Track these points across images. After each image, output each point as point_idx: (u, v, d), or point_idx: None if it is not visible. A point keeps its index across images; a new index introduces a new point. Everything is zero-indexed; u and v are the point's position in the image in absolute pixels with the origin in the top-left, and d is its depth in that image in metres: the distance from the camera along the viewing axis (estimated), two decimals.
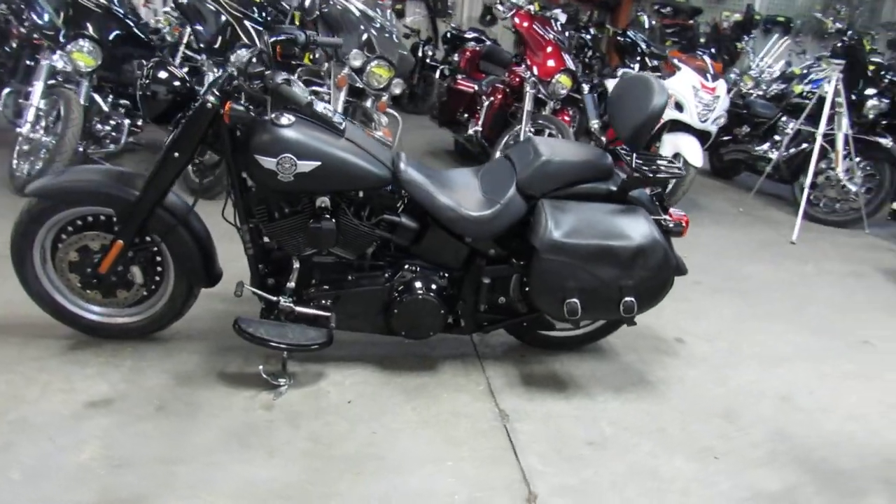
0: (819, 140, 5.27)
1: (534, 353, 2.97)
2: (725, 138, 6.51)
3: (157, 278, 2.62)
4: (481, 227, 2.53)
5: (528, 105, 5.10)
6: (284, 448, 2.21)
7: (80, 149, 4.17)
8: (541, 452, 2.32)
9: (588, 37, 8.03)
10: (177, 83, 2.40)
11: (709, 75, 5.29)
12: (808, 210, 5.43)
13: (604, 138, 5.26)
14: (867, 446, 2.57)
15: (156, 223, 2.48)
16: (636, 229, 2.46)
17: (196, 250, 2.55)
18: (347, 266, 2.61)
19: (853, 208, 5.62)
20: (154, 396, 2.39)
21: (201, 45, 4.66)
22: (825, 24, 6.28)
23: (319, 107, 2.37)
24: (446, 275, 2.67)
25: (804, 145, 5.76)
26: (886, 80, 5.69)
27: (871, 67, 5.77)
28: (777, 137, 6.12)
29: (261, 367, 2.54)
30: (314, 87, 4.36)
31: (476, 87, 6.06)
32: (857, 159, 5.49)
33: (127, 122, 4.51)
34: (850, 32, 5.76)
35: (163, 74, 2.39)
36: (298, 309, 2.52)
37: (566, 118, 5.42)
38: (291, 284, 2.52)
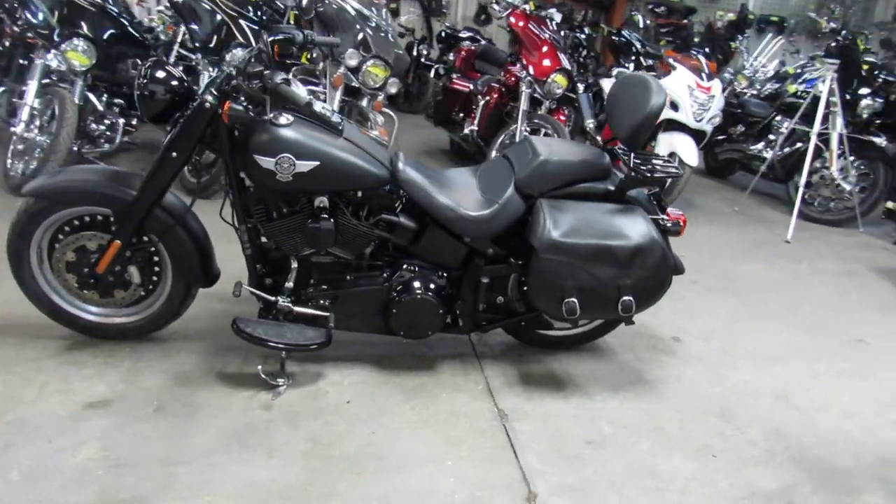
0: (814, 139, 5.29)
1: (532, 353, 2.97)
2: (720, 137, 6.52)
3: (155, 278, 2.61)
4: (480, 227, 2.53)
5: (523, 104, 5.10)
6: (284, 448, 2.21)
7: (75, 148, 4.16)
8: (540, 452, 2.32)
9: (583, 36, 8.05)
10: (174, 83, 2.40)
11: (704, 75, 5.30)
12: (802, 209, 5.45)
13: (599, 138, 5.27)
14: (862, 445, 2.58)
15: (153, 223, 2.47)
16: (634, 229, 2.47)
17: (194, 250, 2.54)
18: (346, 266, 2.61)
19: (847, 207, 5.65)
20: (152, 397, 2.39)
21: (196, 45, 4.64)
22: (819, 24, 6.31)
23: (318, 106, 2.37)
24: (445, 274, 2.67)
25: (798, 144, 5.79)
26: (880, 80, 5.72)
27: (865, 67, 5.79)
28: (772, 137, 6.15)
29: (259, 367, 2.53)
30: (310, 87, 4.35)
31: (472, 87, 6.06)
32: (852, 158, 5.52)
33: (122, 121, 4.49)
34: (843, 32, 5.78)
35: (160, 74, 2.39)
36: (297, 309, 2.52)
37: (562, 117, 5.43)
38: (290, 284, 2.52)
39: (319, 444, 2.25)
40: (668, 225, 2.62)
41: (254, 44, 4.44)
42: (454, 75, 6.49)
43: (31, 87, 4.11)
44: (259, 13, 4.92)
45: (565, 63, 5.27)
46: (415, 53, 8.46)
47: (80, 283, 2.54)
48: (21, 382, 2.39)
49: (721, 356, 3.16)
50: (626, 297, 2.48)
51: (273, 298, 2.51)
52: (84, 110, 4.26)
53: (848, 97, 5.62)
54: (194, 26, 4.62)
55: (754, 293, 4.02)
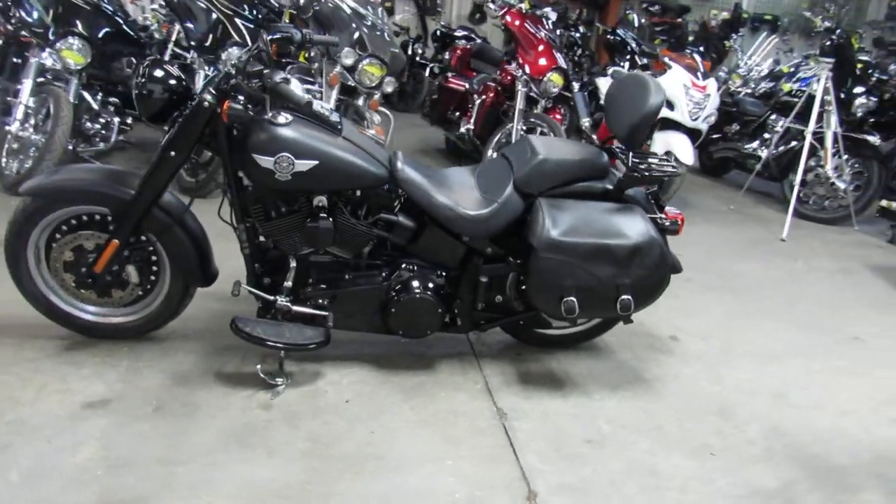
0: (809, 138, 5.31)
1: (530, 352, 2.98)
2: (715, 136, 6.54)
3: (153, 278, 2.60)
4: (479, 226, 2.53)
5: (520, 103, 5.10)
6: (283, 448, 2.20)
7: (70, 147, 4.14)
8: (540, 451, 2.33)
9: (577, 35, 8.05)
10: (173, 82, 2.38)
11: (699, 73, 5.31)
12: (797, 207, 5.48)
13: (594, 136, 5.28)
14: (860, 442, 2.59)
15: (152, 222, 2.46)
16: (633, 228, 2.47)
17: (192, 249, 2.54)
18: (344, 265, 2.61)
19: (842, 205, 5.68)
20: (151, 397, 2.38)
21: (191, 43, 4.62)
22: (814, 23, 6.32)
23: (317, 106, 2.36)
24: (443, 274, 2.67)
25: (793, 143, 5.81)
26: (874, 79, 5.75)
27: (860, 66, 5.82)
28: (766, 135, 6.16)
29: (258, 366, 2.53)
30: (306, 86, 4.34)
31: (467, 86, 6.06)
32: (846, 157, 5.54)
33: (117, 120, 4.47)
34: (838, 31, 5.80)
35: (159, 73, 2.38)
36: (295, 308, 2.52)
37: (558, 116, 5.43)
38: (288, 284, 2.51)
39: (319, 443, 2.25)
40: (667, 224, 2.63)
41: (249, 42, 4.43)
42: (450, 74, 6.49)
43: (26, 85, 4.09)
44: (255, 12, 4.91)
45: (561, 62, 5.27)
46: (410, 52, 8.45)
47: (77, 283, 2.53)
48: (19, 383, 2.38)
49: (718, 355, 3.17)
50: (624, 296, 2.48)
51: (272, 298, 2.50)
52: (79, 109, 4.24)
53: (842, 96, 5.64)
54: (189, 25, 4.60)
55: (750, 291, 4.04)
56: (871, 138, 5.53)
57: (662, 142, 5.16)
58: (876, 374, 3.14)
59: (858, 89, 5.69)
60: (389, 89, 4.49)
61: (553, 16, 5.85)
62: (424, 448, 2.28)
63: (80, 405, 2.30)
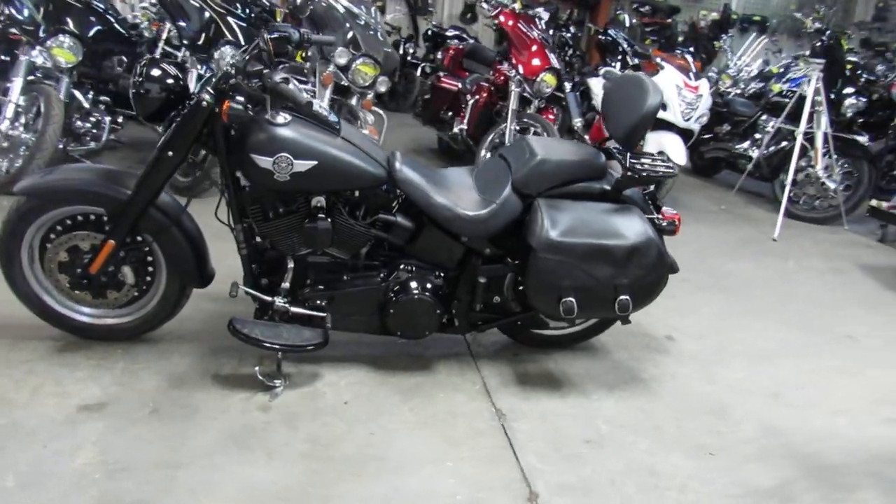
0: (800, 138, 5.35)
1: (527, 352, 2.98)
2: (706, 136, 6.57)
3: (149, 278, 2.58)
4: (477, 227, 2.53)
5: (513, 104, 5.10)
6: (283, 450, 2.19)
7: (61, 146, 4.10)
8: (539, 451, 2.33)
9: (569, 35, 8.07)
10: (170, 81, 2.36)
11: (691, 74, 5.34)
12: (788, 207, 5.51)
13: (587, 137, 5.29)
14: (854, 441, 2.61)
15: (148, 223, 2.44)
16: (631, 228, 2.48)
17: (189, 250, 2.52)
18: (342, 266, 2.60)
19: (832, 205, 5.72)
20: (148, 399, 2.36)
21: (183, 42, 4.60)
22: (804, 24, 6.37)
23: (316, 106, 2.35)
24: (441, 274, 2.66)
25: (784, 143, 5.85)
26: (863, 80, 5.80)
27: (849, 66, 5.87)
28: (757, 136, 6.20)
29: (256, 368, 2.51)
30: (301, 86, 4.32)
31: (460, 86, 6.06)
32: (836, 157, 5.58)
33: (108, 118, 4.44)
34: (828, 32, 5.85)
35: (156, 72, 2.35)
36: (293, 309, 2.50)
37: (550, 116, 5.44)
38: (286, 284, 2.50)
39: (318, 445, 2.24)
40: (664, 224, 2.64)
41: (242, 41, 4.41)
42: (442, 74, 6.48)
43: (16, 83, 4.04)
44: (248, 11, 4.89)
45: (554, 62, 5.28)
46: (401, 52, 8.44)
47: (72, 284, 2.50)
48: (13, 385, 2.35)
49: (713, 354, 3.19)
50: (622, 296, 2.49)
51: (269, 299, 2.49)
52: (70, 108, 4.20)
53: (832, 96, 5.69)
54: (182, 23, 4.57)
55: (743, 291, 4.06)
56: (860, 138, 5.59)
57: (655, 142, 5.18)
58: (868, 374, 3.17)
59: (848, 90, 5.74)
60: (383, 89, 4.48)
61: (545, 16, 5.86)
62: (424, 449, 2.28)
63: (75, 408, 2.27)
